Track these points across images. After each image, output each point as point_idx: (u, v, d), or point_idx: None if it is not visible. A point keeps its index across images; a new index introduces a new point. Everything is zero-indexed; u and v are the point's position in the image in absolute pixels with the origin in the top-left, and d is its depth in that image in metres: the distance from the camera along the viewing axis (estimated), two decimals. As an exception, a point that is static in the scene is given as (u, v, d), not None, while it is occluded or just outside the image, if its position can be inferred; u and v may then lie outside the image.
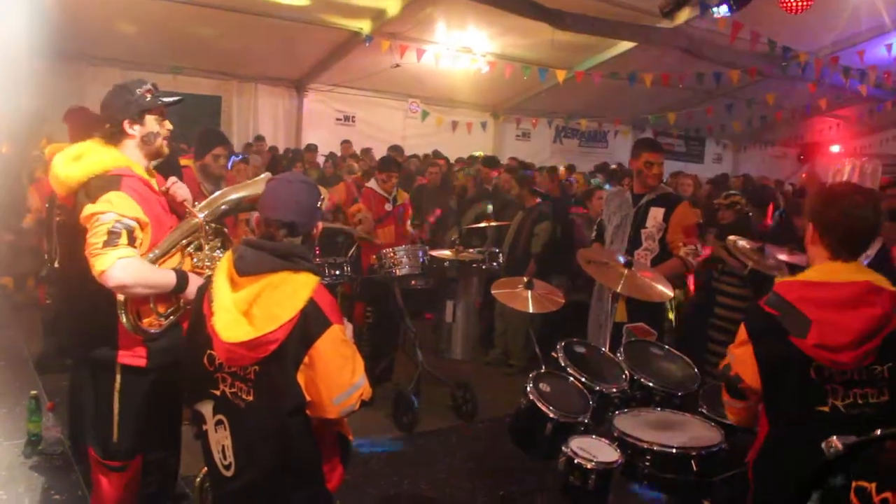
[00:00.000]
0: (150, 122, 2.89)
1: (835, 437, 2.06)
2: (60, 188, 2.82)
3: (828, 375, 2.26)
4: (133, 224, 2.65)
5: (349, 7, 9.32)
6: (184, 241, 2.91)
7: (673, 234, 4.60)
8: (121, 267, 2.56)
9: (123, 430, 2.87)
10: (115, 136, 2.86)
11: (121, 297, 2.70)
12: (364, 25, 9.74)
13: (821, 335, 2.19)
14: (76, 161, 2.78)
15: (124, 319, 2.73)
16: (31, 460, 4.39)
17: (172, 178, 3.04)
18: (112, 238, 2.58)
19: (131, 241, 2.63)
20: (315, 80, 12.14)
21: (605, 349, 4.00)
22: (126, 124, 2.84)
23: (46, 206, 6.26)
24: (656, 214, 4.65)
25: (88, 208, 2.64)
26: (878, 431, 2.04)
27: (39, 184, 6.95)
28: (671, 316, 4.87)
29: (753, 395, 2.38)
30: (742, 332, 2.36)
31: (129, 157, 2.86)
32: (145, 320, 2.78)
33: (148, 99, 2.87)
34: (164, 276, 2.75)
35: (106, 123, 2.87)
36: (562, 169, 10.03)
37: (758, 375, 2.31)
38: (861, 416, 2.25)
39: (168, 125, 2.97)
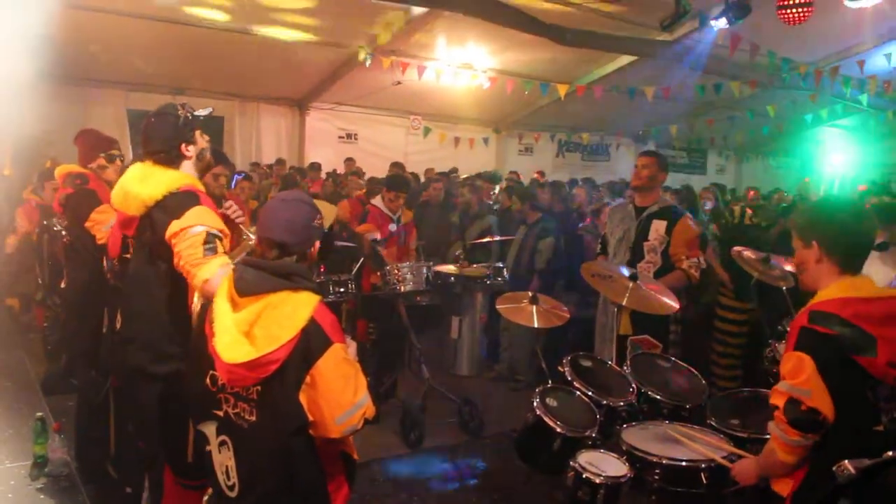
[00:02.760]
0: (199, 138, 3.08)
1: (846, 462, 2.04)
2: (137, 206, 2.93)
3: (880, 393, 2.20)
4: (220, 235, 2.83)
5: (350, 26, 9.37)
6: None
7: (675, 246, 4.60)
8: (223, 274, 2.63)
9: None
10: (173, 161, 3.01)
11: (196, 308, 2.79)
12: (365, 44, 9.80)
13: (891, 352, 2.13)
14: (145, 181, 2.94)
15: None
16: (37, 482, 4.39)
17: (229, 202, 3.22)
18: (209, 248, 2.74)
19: (223, 250, 2.81)
20: (317, 99, 12.20)
21: (612, 363, 3.99)
22: (183, 147, 3.01)
23: (37, 230, 6.29)
24: (658, 227, 4.66)
25: (175, 224, 2.79)
26: (890, 453, 2.03)
27: (28, 205, 6.99)
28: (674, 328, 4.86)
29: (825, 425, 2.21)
30: (806, 362, 2.18)
31: (190, 175, 3.04)
32: None
33: (190, 117, 3.04)
34: None
35: (160, 152, 3.00)
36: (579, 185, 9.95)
37: (832, 404, 2.17)
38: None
39: (206, 137, 3.14)
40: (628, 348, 4.20)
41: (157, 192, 2.90)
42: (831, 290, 2.30)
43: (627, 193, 5.39)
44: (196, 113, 3.10)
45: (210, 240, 2.76)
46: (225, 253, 2.82)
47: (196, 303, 2.86)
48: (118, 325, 3.23)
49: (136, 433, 3.49)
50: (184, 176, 2.99)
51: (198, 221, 2.79)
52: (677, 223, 4.64)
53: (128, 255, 3.23)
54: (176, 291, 2.92)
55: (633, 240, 4.72)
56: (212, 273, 2.69)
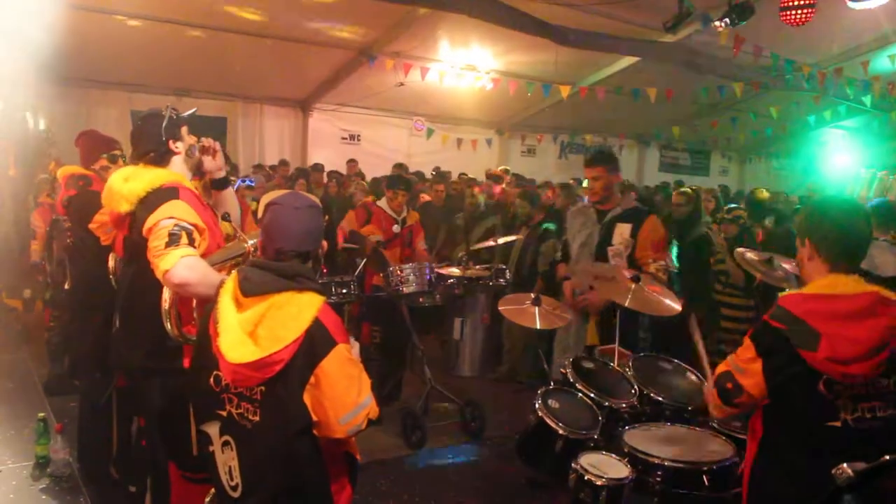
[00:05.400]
0: (185, 135, 3.15)
1: (845, 465, 2.08)
2: (122, 204, 2.99)
3: (838, 390, 2.23)
4: (191, 227, 2.83)
5: (353, 27, 9.38)
6: (229, 263, 3.03)
7: (641, 250, 4.44)
8: (185, 265, 2.70)
9: None
10: (162, 158, 3.09)
11: (165, 304, 2.83)
12: (368, 44, 9.81)
13: (832, 348, 2.17)
14: (129, 180, 2.99)
15: (169, 327, 2.85)
16: (39, 482, 4.40)
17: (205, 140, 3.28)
18: (173, 239, 2.75)
19: (191, 242, 2.80)
20: (320, 100, 12.20)
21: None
22: (170, 143, 3.09)
23: (48, 229, 6.31)
24: (623, 231, 4.50)
25: (150, 219, 2.84)
26: (888, 457, 2.05)
27: (42, 208, 7.00)
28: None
29: (748, 406, 2.39)
30: (749, 348, 2.33)
31: (178, 173, 3.09)
32: (186, 328, 2.91)
33: (176, 116, 3.11)
34: (221, 278, 2.83)
35: (149, 152, 3.07)
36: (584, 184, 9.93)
37: (765, 390, 2.29)
38: (869, 430, 2.24)
39: (195, 136, 3.22)
40: None
41: (140, 189, 2.95)
42: (812, 286, 2.37)
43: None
44: (182, 114, 3.19)
45: (176, 231, 2.78)
46: (193, 246, 2.81)
47: (165, 299, 2.86)
48: (116, 325, 3.27)
49: (141, 430, 3.51)
50: (169, 173, 3.05)
51: (168, 215, 2.82)
52: (643, 225, 4.48)
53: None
54: (160, 288, 2.91)
55: (597, 245, 4.57)
56: (170, 264, 2.70)
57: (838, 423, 2.24)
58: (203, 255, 2.90)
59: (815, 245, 2.38)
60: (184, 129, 3.14)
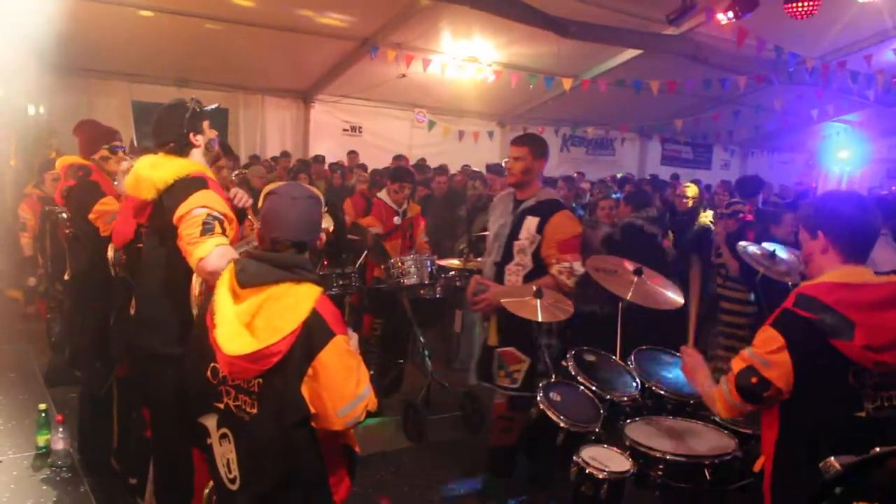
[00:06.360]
0: (207, 129, 3.20)
1: (832, 458, 2.08)
2: (150, 190, 3.03)
3: (864, 379, 2.23)
4: (221, 217, 2.89)
5: (355, 18, 9.35)
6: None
7: (547, 248, 4.01)
8: (219, 253, 2.75)
9: None
10: (182, 149, 3.13)
11: (196, 291, 2.92)
12: (370, 35, 9.77)
13: (868, 336, 2.17)
14: (156, 167, 3.05)
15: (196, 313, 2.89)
16: (39, 473, 4.40)
17: (234, 190, 3.30)
18: (206, 227, 2.82)
19: (223, 231, 2.87)
20: (322, 91, 12.17)
21: (474, 374, 3.84)
22: (191, 136, 3.13)
23: (40, 221, 6.29)
24: (530, 225, 4.05)
25: (182, 207, 2.88)
26: (877, 450, 2.05)
27: (30, 199, 6.99)
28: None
29: (774, 401, 2.32)
30: (776, 338, 2.27)
31: (201, 163, 3.16)
32: None
33: (199, 110, 3.16)
34: None
35: (170, 142, 3.12)
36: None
37: (791, 383, 2.25)
38: (888, 418, 2.25)
39: (215, 131, 3.27)
40: (494, 360, 4.08)
41: (168, 177, 3.00)
42: (826, 276, 2.35)
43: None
44: (206, 107, 3.23)
45: (209, 220, 2.83)
46: (224, 235, 2.87)
47: (195, 286, 2.89)
48: (132, 311, 3.32)
49: (145, 422, 3.50)
50: (193, 163, 3.11)
51: (201, 203, 2.88)
52: (549, 220, 4.02)
53: (140, 245, 3.34)
54: (187, 275, 2.96)
55: (507, 237, 4.14)
56: (206, 252, 2.75)
57: (863, 414, 2.24)
58: (231, 243, 2.96)
59: (830, 238, 2.38)
60: (205, 123, 3.19)
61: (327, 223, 3.15)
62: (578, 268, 3.97)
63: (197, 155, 3.17)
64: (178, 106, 3.15)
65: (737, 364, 2.38)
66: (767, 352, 2.28)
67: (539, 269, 4.04)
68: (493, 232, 4.25)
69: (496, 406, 4.37)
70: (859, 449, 2.09)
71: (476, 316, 3.98)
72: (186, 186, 2.96)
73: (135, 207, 3.16)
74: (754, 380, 2.29)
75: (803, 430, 2.31)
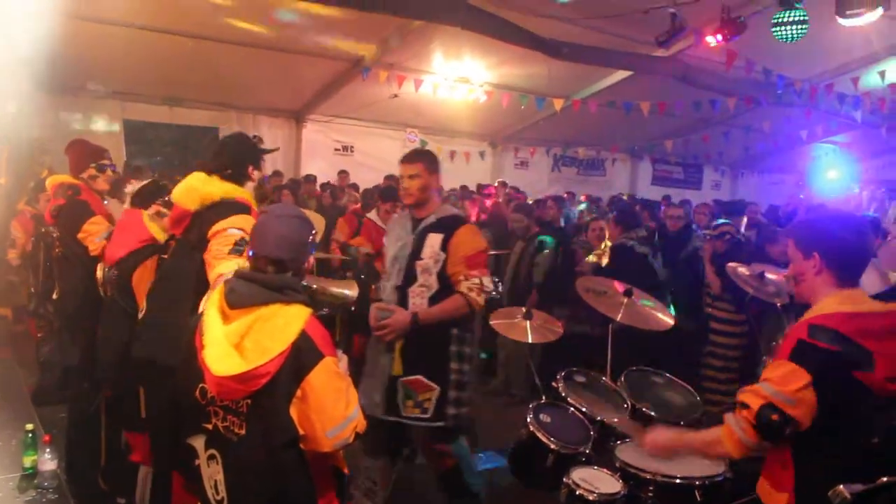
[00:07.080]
0: (262, 166, 3.41)
1: (842, 486, 2.05)
2: (196, 202, 3.15)
3: (874, 408, 2.19)
4: None
5: (347, 39, 9.41)
6: None
7: (453, 265, 3.73)
8: None
9: None
10: (238, 178, 3.26)
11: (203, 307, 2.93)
12: (362, 56, 9.83)
13: (888, 367, 2.13)
14: (208, 183, 3.16)
15: None
16: (25, 495, 4.34)
17: None
18: (237, 248, 2.92)
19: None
20: (314, 111, 12.21)
21: (380, 408, 3.64)
22: (250, 168, 3.30)
23: (32, 239, 6.27)
24: (433, 242, 3.79)
25: (221, 223, 3.01)
26: (885, 479, 2.03)
27: (22, 216, 6.97)
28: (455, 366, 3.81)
29: (791, 438, 2.22)
30: (799, 374, 2.15)
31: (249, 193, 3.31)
32: None
33: (260, 147, 3.35)
34: None
35: (228, 168, 3.23)
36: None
37: (811, 419, 2.16)
38: (890, 444, 2.21)
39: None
40: (399, 391, 3.73)
41: (217, 193, 3.13)
42: (829, 302, 2.29)
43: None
44: (264, 147, 3.46)
45: (241, 243, 2.93)
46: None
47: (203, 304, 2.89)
48: (141, 314, 3.37)
49: (150, 431, 3.48)
50: (244, 191, 3.24)
51: (238, 225, 2.99)
52: (454, 235, 3.77)
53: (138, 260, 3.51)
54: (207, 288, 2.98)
55: (407, 258, 3.86)
56: (228, 269, 2.78)
57: (876, 440, 2.20)
58: None
59: (826, 260, 2.32)
60: (262, 162, 3.38)
61: (352, 291, 3.02)
62: (488, 283, 3.78)
63: (249, 187, 3.31)
64: (243, 138, 3.36)
65: (751, 400, 2.23)
66: (794, 389, 2.16)
67: (445, 289, 3.75)
68: (392, 255, 3.97)
69: (421, 439, 4.11)
70: (877, 475, 2.07)
71: (380, 346, 3.78)
72: (231, 206, 3.09)
73: (174, 217, 3.27)
74: (775, 417, 2.16)
75: (820, 465, 2.21)
